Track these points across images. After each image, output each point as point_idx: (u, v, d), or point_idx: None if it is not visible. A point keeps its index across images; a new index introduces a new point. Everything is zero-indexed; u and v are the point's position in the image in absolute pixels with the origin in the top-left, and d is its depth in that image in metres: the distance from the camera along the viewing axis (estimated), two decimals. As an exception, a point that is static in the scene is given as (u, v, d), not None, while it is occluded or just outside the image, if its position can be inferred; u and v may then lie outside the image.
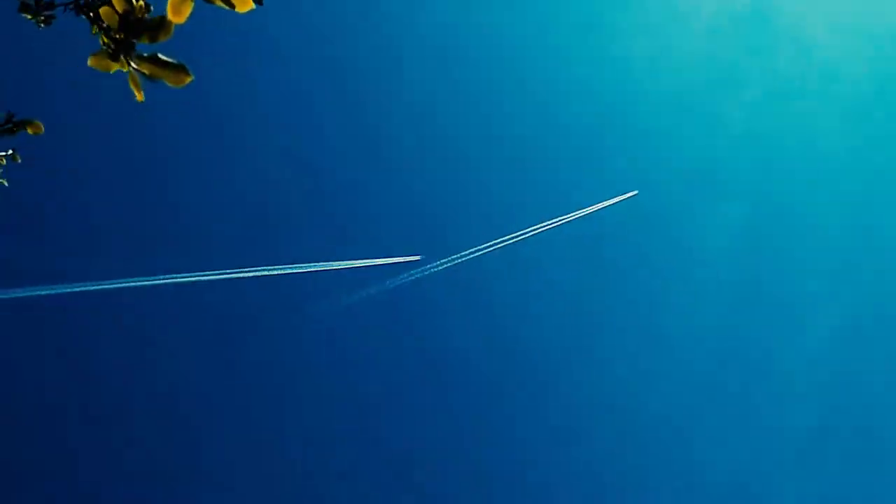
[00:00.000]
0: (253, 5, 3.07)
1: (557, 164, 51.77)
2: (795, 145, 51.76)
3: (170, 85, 3.25)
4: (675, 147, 51.84)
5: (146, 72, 3.17)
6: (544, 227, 47.96)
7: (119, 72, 3.37)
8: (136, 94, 3.14)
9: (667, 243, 51.98)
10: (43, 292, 38.60)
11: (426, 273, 46.69)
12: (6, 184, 4.98)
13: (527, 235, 47.87)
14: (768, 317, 51.13)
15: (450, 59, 50.83)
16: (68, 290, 39.15)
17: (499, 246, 47.58)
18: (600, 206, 48.52)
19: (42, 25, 4.74)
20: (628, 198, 48.46)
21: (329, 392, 47.91)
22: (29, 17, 4.72)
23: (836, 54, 51.02)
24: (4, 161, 4.93)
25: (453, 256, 46.78)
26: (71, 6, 3.75)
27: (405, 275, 46.08)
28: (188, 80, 3.22)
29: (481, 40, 51.28)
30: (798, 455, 48.40)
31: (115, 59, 3.11)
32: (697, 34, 51.24)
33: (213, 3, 3.07)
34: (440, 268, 46.70)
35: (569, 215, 48.31)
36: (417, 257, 45.87)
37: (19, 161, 4.97)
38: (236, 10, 3.07)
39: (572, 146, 51.81)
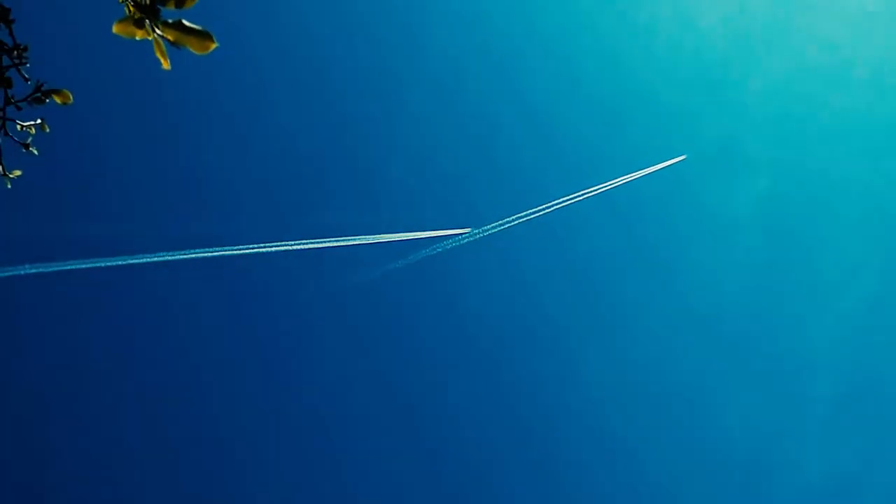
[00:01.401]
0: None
1: (602, 133, 51.48)
2: (823, 118, 50.89)
3: (194, 52, 3.21)
4: (703, 119, 51.21)
5: (171, 38, 3.13)
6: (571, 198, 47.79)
7: (146, 41, 3.33)
8: (162, 61, 3.11)
9: (695, 216, 51.65)
10: (73, 266, 38.93)
11: (471, 241, 46.74)
12: (36, 152, 5.00)
13: (565, 204, 47.72)
14: (795, 288, 50.70)
15: (498, 35, 50.54)
16: (98, 263, 39.42)
17: (535, 215, 47.50)
18: (646, 171, 48.23)
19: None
20: (675, 163, 48.10)
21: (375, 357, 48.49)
22: (56, -15, 4.72)
23: (864, 31, 49.89)
24: (34, 130, 4.95)
25: (496, 224, 46.69)
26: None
27: (450, 242, 46.03)
28: (213, 46, 3.18)
29: (531, 17, 50.88)
30: (823, 423, 48.17)
31: (140, 25, 3.08)
32: (723, 10, 50.36)
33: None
34: (482, 236, 46.71)
35: (608, 183, 48.07)
36: (467, 230, 45.74)
37: (48, 130, 4.98)
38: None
39: (613, 116, 51.46)
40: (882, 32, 49.41)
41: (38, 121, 4.94)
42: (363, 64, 49.26)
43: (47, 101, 4.77)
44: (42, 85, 4.74)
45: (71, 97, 4.75)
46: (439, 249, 46.08)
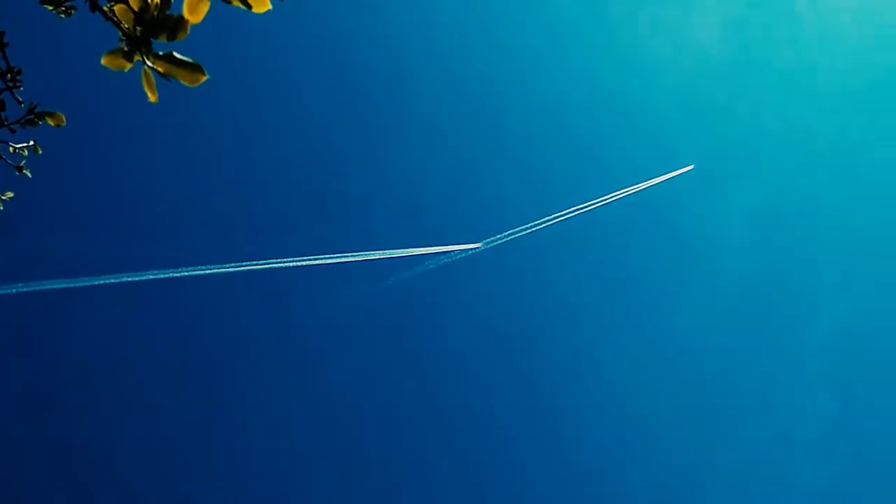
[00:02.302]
0: (270, 6, 2.99)
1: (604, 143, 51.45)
2: (813, 133, 50.97)
3: (185, 84, 3.20)
4: (699, 132, 51.29)
5: (161, 70, 3.12)
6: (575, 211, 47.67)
7: (136, 66, 3.32)
8: (150, 95, 3.09)
9: (686, 231, 51.72)
10: (67, 285, 38.79)
11: (478, 254, 46.64)
12: (30, 175, 4.99)
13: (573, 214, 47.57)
14: (786, 303, 50.70)
15: (505, 43, 50.54)
16: (92, 282, 39.24)
17: (545, 225, 47.37)
18: (652, 181, 48.17)
19: (63, 17, 4.72)
20: (683, 172, 48.12)
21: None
22: (50, 8, 4.70)
23: (860, 40, 50.01)
24: (26, 152, 4.93)
25: (503, 237, 46.55)
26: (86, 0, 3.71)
27: (460, 256, 45.84)
28: (203, 79, 3.16)
29: (540, 28, 50.91)
30: (815, 440, 48.03)
31: (129, 58, 3.06)
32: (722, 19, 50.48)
33: (230, 2, 3.00)
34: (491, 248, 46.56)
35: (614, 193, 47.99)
36: (478, 245, 45.59)
37: (40, 152, 4.97)
38: (253, 10, 3.00)
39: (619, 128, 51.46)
40: (886, 43, 49.56)
41: (31, 143, 4.93)
42: (372, 79, 49.30)
43: (40, 123, 4.76)
44: (35, 107, 4.73)
45: (64, 119, 4.73)
46: (448, 262, 46.03)
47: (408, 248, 44.95)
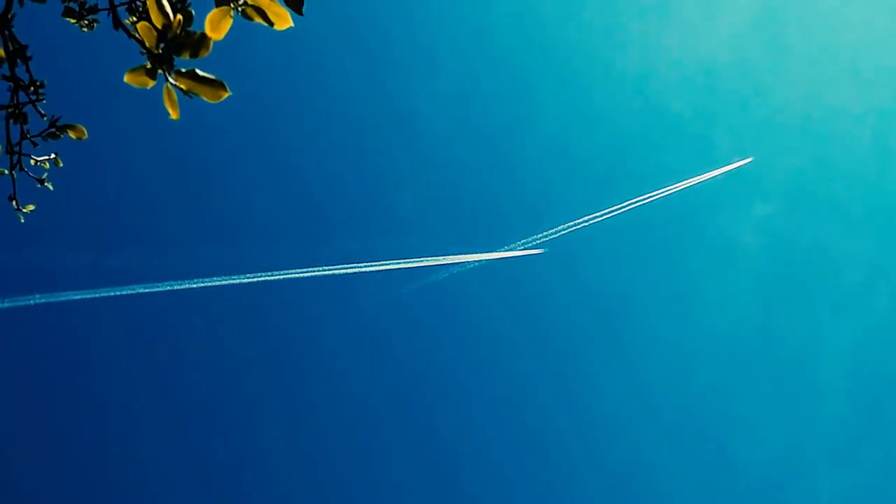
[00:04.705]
0: (292, 23, 2.98)
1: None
2: (836, 137, 50.38)
3: (207, 100, 3.20)
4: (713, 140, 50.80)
5: (184, 87, 3.12)
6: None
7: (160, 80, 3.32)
8: (171, 112, 3.09)
9: (703, 238, 51.35)
10: (87, 296, 38.92)
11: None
12: (51, 188, 5.01)
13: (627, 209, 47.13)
14: (807, 308, 50.12)
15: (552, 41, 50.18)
16: (115, 293, 39.33)
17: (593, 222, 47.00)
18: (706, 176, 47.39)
19: (85, 30, 4.75)
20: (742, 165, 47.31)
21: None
22: (73, 21, 4.73)
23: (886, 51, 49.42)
24: (48, 165, 4.96)
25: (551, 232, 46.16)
26: (109, 14, 3.72)
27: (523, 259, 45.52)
28: (225, 95, 3.16)
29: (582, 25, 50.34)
30: (834, 447, 47.49)
31: (152, 75, 3.06)
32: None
33: (251, 19, 3.00)
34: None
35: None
36: (540, 250, 45.45)
37: (61, 165, 4.99)
38: (275, 27, 2.99)
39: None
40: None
41: (53, 155, 4.96)
42: (383, 89, 49.20)
43: (62, 136, 4.78)
44: (57, 120, 4.75)
45: (85, 132, 4.76)
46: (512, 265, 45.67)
47: (469, 253, 45.01)
